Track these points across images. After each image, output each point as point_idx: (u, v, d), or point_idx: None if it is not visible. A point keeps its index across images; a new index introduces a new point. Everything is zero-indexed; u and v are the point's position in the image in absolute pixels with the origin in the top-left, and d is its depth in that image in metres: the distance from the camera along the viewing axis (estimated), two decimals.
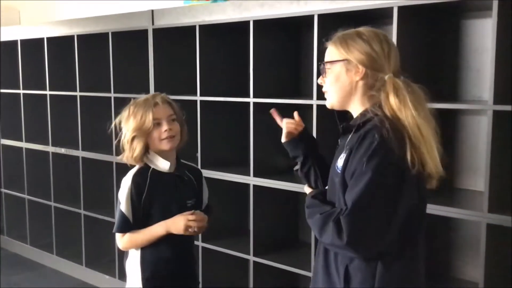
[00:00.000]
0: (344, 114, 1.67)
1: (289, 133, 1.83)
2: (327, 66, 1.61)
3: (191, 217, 2.06)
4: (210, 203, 2.31)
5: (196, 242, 3.23)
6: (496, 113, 2.12)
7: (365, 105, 1.58)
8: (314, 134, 2.62)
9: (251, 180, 2.98)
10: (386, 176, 1.45)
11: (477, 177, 2.50)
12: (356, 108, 1.61)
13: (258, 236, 3.00)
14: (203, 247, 3.26)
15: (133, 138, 2.05)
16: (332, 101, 1.64)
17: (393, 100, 1.50)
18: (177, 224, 2.06)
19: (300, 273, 2.83)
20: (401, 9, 2.32)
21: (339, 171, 1.53)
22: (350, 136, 1.56)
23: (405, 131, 1.46)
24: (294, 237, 3.24)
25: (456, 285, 2.58)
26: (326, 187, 1.69)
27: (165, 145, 2.08)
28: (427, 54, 2.56)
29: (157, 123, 2.05)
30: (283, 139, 1.84)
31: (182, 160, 2.21)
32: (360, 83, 1.57)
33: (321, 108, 2.60)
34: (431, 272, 2.65)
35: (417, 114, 1.48)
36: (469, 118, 2.54)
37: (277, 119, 1.90)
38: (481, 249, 2.19)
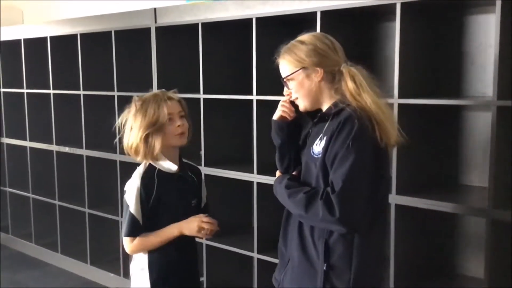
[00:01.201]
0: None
1: (281, 116, 1.88)
2: (288, 79, 1.77)
3: (205, 219, 2.06)
4: (209, 201, 2.30)
5: (200, 240, 3.24)
6: (499, 109, 2.12)
7: (333, 99, 1.74)
8: None
9: (255, 178, 2.98)
10: (367, 156, 1.62)
11: (481, 173, 2.50)
12: (327, 102, 1.76)
13: (262, 234, 3.00)
14: (207, 245, 3.27)
15: (147, 136, 2.00)
16: (304, 106, 1.79)
17: (351, 86, 1.68)
18: (190, 225, 2.05)
19: None
20: (404, 5, 2.31)
21: (317, 156, 1.69)
22: (326, 124, 1.70)
23: (369, 112, 1.64)
24: None
25: (459, 281, 2.58)
26: (294, 173, 1.87)
27: (178, 141, 2.07)
28: (430, 50, 2.55)
29: (169, 118, 2.03)
30: (274, 117, 1.90)
31: (183, 160, 2.20)
32: (323, 82, 1.74)
33: None
34: (434, 267, 2.66)
35: (374, 93, 1.68)
36: (472, 114, 2.54)
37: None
38: (484, 245, 2.19)
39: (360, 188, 1.61)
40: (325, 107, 1.77)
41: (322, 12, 2.57)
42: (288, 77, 1.78)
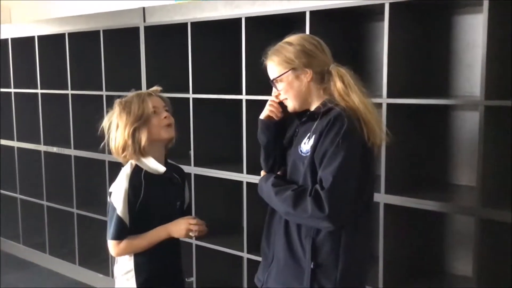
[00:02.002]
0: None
1: (268, 116, 1.88)
2: (277, 80, 1.78)
3: (193, 221, 2.05)
4: (191, 201, 2.29)
5: (189, 240, 3.23)
6: (487, 108, 2.13)
7: (322, 97, 1.76)
8: None
9: (245, 178, 2.97)
10: (355, 155, 1.65)
11: (469, 172, 2.51)
12: (315, 102, 1.78)
13: (252, 233, 3.00)
14: (196, 245, 3.26)
15: (133, 131, 1.99)
16: (294, 106, 1.80)
17: (340, 86, 1.70)
18: (179, 227, 2.04)
19: None
20: (393, 5, 2.32)
21: (305, 154, 1.71)
22: (315, 123, 1.72)
23: (357, 112, 1.66)
24: None
25: (448, 279, 2.59)
26: (278, 172, 1.88)
27: (165, 133, 2.05)
28: (419, 49, 2.56)
29: (154, 111, 2.02)
30: (261, 116, 1.90)
31: (169, 161, 2.18)
32: (311, 82, 1.76)
33: None
34: (423, 266, 2.67)
35: (361, 93, 1.71)
36: (460, 114, 2.55)
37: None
38: (473, 244, 2.20)
39: (348, 186, 1.63)
40: (313, 107, 1.79)
41: (311, 12, 2.57)
42: (277, 79, 1.78)
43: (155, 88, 2.13)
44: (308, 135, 1.73)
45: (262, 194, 1.86)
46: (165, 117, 2.05)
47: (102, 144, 2.14)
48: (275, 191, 1.75)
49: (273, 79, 1.80)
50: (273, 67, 1.79)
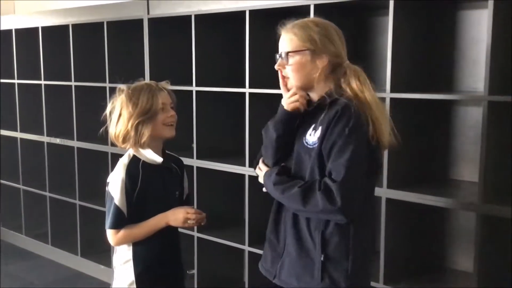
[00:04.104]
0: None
1: (297, 107, 1.75)
2: (291, 55, 1.72)
3: (190, 210, 2.06)
4: (191, 191, 2.30)
5: (191, 232, 3.24)
6: (491, 104, 2.12)
7: (325, 88, 1.72)
8: None
9: (247, 171, 2.98)
10: (363, 147, 1.63)
11: (471, 167, 2.51)
12: (318, 90, 1.74)
13: (253, 226, 3.00)
14: (198, 237, 3.27)
15: (138, 124, 1.98)
16: (296, 87, 1.75)
17: (355, 83, 1.68)
18: (176, 216, 2.05)
19: None
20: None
21: (311, 146, 1.68)
22: (323, 114, 1.68)
23: (368, 110, 1.64)
24: None
25: (448, 275, 2.60)
26: (282, 164, 1.79)
27: (167, 132, 2.06)
28: (423, 44, 2.55)
29: (161, 108, 2.02)
30: (288, 108, 1.75)
31: (167, 151, 2.18)
32: (324, 69, 1.71)
33: None
34: (424, 261, 2.67)
35: (374, 93, 1.70)
36: (464, 109, 2.55)
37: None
38: (474, 239, 2.20)
39: (358, 178, 1.62)
40: (313, 94, 1.76)
41: (316, 5, 2.56)
42: (293, 53, 1.71)
43: (165, 82, 2.11)
44: (313, 126, 1.70)
45: (267, 189, 1.83)
46: (171, 115, 2.05)
47: (101, 130, 2.13)
48: (281, 189, 1.72)
49: (288, 52, 1.72)
50: (292, 40, 1.71)
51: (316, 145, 1.66)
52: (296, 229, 1.76)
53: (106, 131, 2.09)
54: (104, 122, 2.11)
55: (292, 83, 1.75)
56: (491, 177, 2.18)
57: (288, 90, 1.78)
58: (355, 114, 1.61)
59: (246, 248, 3.04)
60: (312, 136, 1.69)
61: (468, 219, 2.50)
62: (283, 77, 1.79)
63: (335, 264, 1.70)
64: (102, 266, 3.98)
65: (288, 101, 1.75)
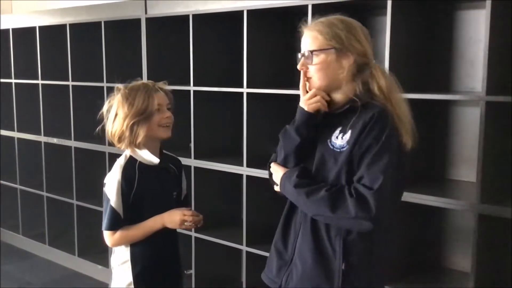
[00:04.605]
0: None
1: (318, 108, 1.68)
2: (316, 54, 1.63)
3: (187, 212, 2.05)
4: (189, 192, 2.29)
5: (189, 233, 3.24)
6: (488, 104, 2.12)
7: (350, 88, 1.65)
8: None
9: (244, 171, 2.97)
10: (399, 155, 1.57)
11: (469, 168, 2.51)
12: (344, 91, 1.66)
13: (251, 226, 3.00)
14: (196, 237, 3.26)
15: (133, 124, 1.97)
16: (319, 86, 1.66)
17: (383, 83, 1.61)
18: (173, 218, 2.04)
19: None
20: None
21: (339, 149, 1.59)
22: (354, 117, 1.59)
23: (396, 112, 1.58)
24: None
25: (446, 275, 2.60)
26: (302, 165, 1.70)
27: (163, 133, 2.05)
28: (421, 44, 2.55)
29: (157, 109, 2.01)
30: (308, 109, 1.67)
31: (164, 151, 2.18)
32: (348, 69, 1.63)
33: None
34: (422, 261, 2.68)
35: (400, 94, 1.64)
36: (461, 109, 2.55)
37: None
38: (472, 239, 2.20)
39: (391, 186, 1.54)
40: (337, 94, 1.67)
41: (314, 5, 2.56)
42: (317, 52, 1.62)
43: (162, 83, 2.10)
44: (340, 128, 1.61)
45: (285, 192, 1.71)
46: (167, 117, 2.04)
47: (98, 128, 2.12)
48: (305, 192, 1.60)
49: (313, 51, 1.63)
50: (317, 38, 1.63)
51: (345, 148, 1.58)
52: (315, 236, 1.66)
53: (103, 130, 2.08)
54: (100, 121, 2.10)
55: (315, 83, 1.66)
56: (489, 177, 2.18)
57: (307, 91, 1.69)
58: (391, 121, 1.55)
59: (244, 248, 3.03)
60: (340, 139, 1.60)
61: (466, 219, 2.50)
62: (306, 77, 1.70)
63: (357, 273, 1.63)
64: (99, 266, 3.97)
65: (309, 102, 1.67)
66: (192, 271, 3.33)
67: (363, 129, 1.55)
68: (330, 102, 1.69)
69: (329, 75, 1.64)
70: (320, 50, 1.62)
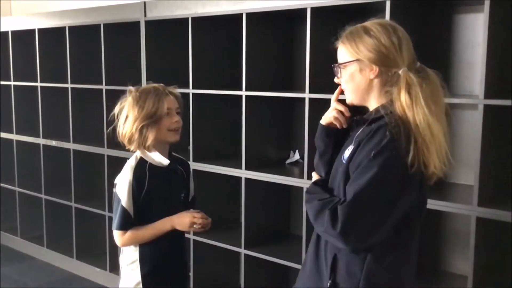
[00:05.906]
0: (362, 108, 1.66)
1: (332, 123, 1.68)
2: (342, 67, 1.60)
3: (197, 215, 2.08)
4: (196, 194, 2.31)
5: (187, 235, 3.23)
6: (487, 108, 2.13)
7: (381, 100, 1.56)
8: (306, 127, 2.63)
9: (243, 173, 2.98)
10: (391, 174, 1.44)
11: (468, 171, 2.51)
12: (373, 104, 1.59)
13: (250, 229, 3.00)
14: (194, 240, 3.26)
15: (142, 127, 2.00)
16: (351, 99, 1.63)
17: (404, 97, 1.47)
18: (182, 220, 2.06)
19: (291, 266, 2.84)
20: (394, 3, 2.32)
21: (344, 162, 1.54)
22: (361, 129, 1.56)
23: (413, 130, 1.45)
24: (285, 230, 3.25)
25: (444, 278, 2.60)
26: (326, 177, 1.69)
27: (171, 137, 2.08)
28: (419, 48, 2.55)
29: (166, 113, 2.04)
30: (322, 121, 1.70)
31: (173, 153, 2.21)
32: (375, 80, 1.55)
33: (313, 101, 2.60)
34: (420, 264, 2.67)
35: (429, 112, 1.46)
36: (460, 112, 2.55)
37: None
38: (470, 242, 2.20)
39: (371, 206, 1.44)
40: (370, 106, 1.60)
41: (313, 9, 2.57)
42: (342, 65, 1.60)
43: (173, 87, 2.13)
44: (353, 142, 1.57)
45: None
46: (175, 121, 2.07)
47: (108, 130, 2.14)
48: (307, 197, 1.61)
49: (338, 65, 1.61)
50: (342, 51, 1.60)
51: (345, 162, 1.54)
52: (317, 247, 1.65)
53: (113, 131, 2.10)
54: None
55: (347, 96, 1.63)
56: (488, 181, 2.18)
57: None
58: (389, 136, 1.43)
59: (242, 251, 3.03)
60: (348, 151, 1.56)
61: (465, 222, 2.50)
62: (341, 90, 1.67)
63: None
64: (98, 269, 3.97)
65: (324, 115, 1.69)
66: (191, 274, 3.32)
67: (359, 145, 1.51)
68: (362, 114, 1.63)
69: (356, 87, 1.59)
70: (343, 63, 1.60)
